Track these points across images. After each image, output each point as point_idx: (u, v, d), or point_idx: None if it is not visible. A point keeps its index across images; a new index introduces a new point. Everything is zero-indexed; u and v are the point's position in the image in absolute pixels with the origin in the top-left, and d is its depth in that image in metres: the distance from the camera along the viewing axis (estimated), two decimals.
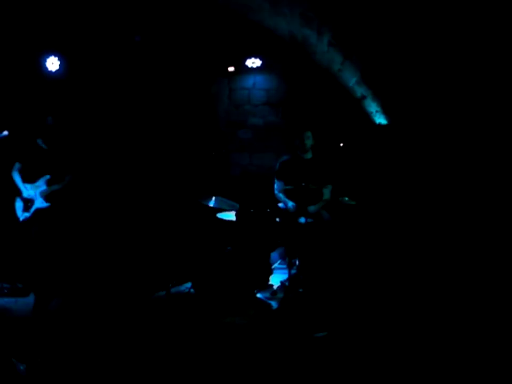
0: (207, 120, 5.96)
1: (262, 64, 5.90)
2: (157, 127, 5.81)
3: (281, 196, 4.91)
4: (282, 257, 4.95)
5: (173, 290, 4.64)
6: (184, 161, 5.85)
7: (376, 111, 5.17)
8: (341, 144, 5.55)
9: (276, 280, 4.78)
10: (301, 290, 4.38)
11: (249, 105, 6.08)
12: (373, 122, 5.38)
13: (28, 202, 4.48)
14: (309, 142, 4.90)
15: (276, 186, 4.99)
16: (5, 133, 4.05)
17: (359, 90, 5.25)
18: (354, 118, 5.62)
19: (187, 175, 5.81)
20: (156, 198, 5.71)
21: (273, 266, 4.93)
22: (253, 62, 5.92)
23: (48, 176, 4.55)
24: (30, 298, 4.27)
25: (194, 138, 5.90)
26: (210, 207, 4.74)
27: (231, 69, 5.94)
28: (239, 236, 4.75)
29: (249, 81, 6.05)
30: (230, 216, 4.85)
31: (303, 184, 4.45)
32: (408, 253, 4.35)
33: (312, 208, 4.69)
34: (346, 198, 4.84)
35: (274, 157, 5.63)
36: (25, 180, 4.54)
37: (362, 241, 4.90)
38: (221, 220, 4.84)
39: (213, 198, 4.82)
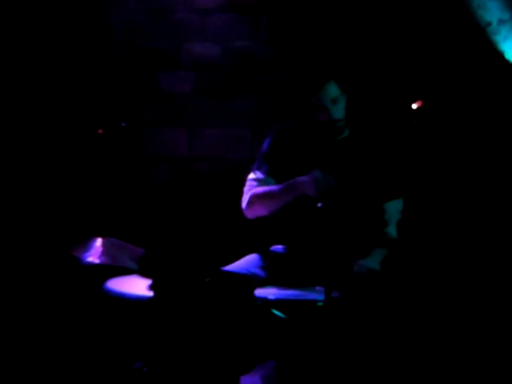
0: (85, 49, 3.05)
1: None
2: None
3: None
4: None
5: None
6: (32, 151, 3.16)
7: (500, 21, 2.60)
8: (415, 106, 2.64)
9: None
10: None
11: (188, 12, 3.00)
12: (490, 43, 2.67)
13: None
14: (340, 105, 2.41)
15: (247, 191, 2.48)
16: None
17: None
18: (445, 41, 2.85)
19: (37, 183, 3.09)
20: None
21: None
22: None
23: None
24: None
25: (55, 94, 3.02)
26: (93, 264, 2.40)
27: None
28: (163, 338, 2.34)
29: None
30: (140, 287, 2.42)
31: (332, 204, 2.01)
32: None
33: (368, 264, 2.35)
34: None
35: (248, 136, 2.80)
36: None
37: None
38: (119, 297, 2.41)
39: (98, 241, 2.48)
